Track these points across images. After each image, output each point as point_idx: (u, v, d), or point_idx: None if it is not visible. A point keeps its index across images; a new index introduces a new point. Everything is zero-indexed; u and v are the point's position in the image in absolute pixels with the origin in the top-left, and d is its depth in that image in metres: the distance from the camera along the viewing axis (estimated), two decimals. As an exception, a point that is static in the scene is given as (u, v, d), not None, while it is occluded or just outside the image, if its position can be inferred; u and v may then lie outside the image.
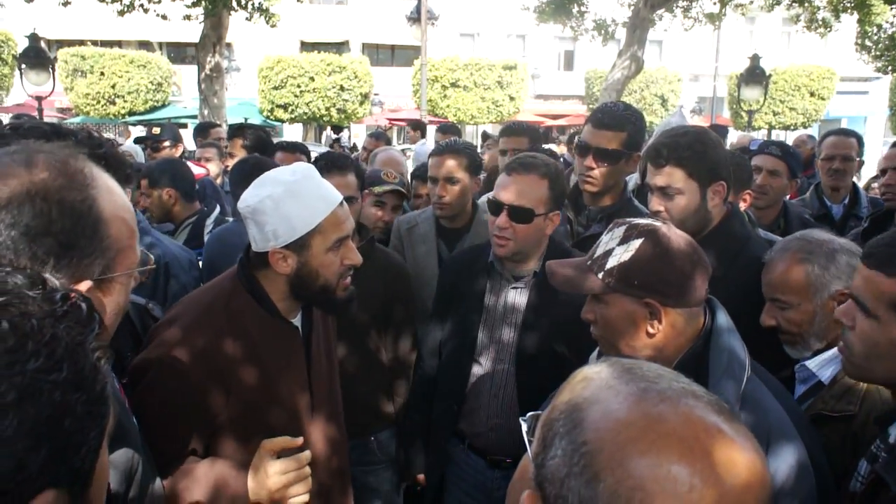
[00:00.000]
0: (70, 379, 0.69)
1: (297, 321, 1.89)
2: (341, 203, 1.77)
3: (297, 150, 4.38)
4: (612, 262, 1.53)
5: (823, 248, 1.90)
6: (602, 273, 1.54)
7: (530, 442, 0.80)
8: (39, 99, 11.67)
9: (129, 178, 1.32)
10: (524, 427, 0.84)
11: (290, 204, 1.68)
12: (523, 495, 0.74)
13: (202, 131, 6.55)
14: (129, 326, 2.00)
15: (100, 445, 0.75)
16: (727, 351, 1.49)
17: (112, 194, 1.10)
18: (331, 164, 2.66)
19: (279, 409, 1.79)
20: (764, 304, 2.01)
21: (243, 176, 3.36)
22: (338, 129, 10.78)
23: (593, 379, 0.76)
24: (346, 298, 1.84)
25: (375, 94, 25.72)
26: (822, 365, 1.89)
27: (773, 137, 26.74)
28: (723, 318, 1.55)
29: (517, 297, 2.35)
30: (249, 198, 1.72)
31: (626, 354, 1.57)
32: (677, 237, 1.53)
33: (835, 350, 1.81)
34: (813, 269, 1.88)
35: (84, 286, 1.02)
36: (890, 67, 19.19)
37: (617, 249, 1.53)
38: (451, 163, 3.04)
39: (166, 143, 5.48)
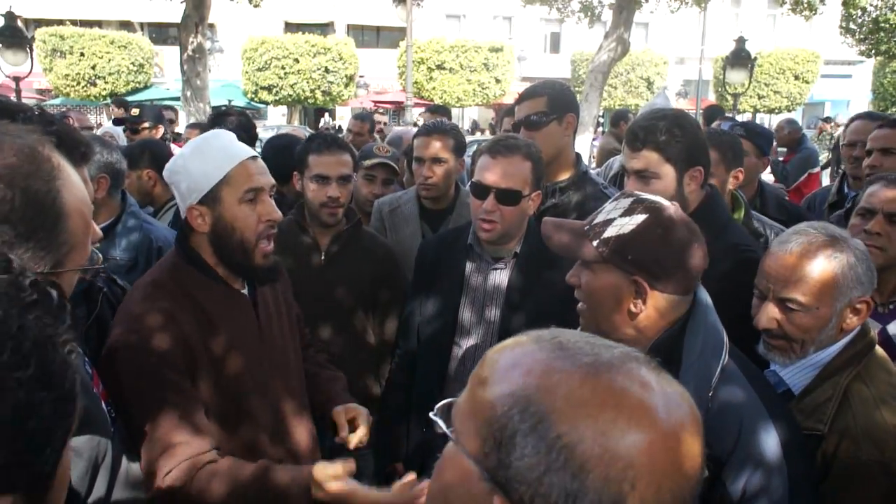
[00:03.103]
0: (37, 376, 0.62)
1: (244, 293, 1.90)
2: (254, 158, 1.81)
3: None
4: (610, 232, 1.48)
5: (850, 244, 1.67)
6: (598, 241, 1.49)
7: (454, 438, 0.75)
8: (17, 80, 11.45)
9: (84, 157, 1.27)
10: (441, 423, 0.78)
11: (197, 160, 1.76)
12: (494, 501, 0.68)
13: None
14: (107, 299, 2.02)
15: (64, 446, 0.69)
16: (703, 334, 1.46)
17: (75, 188, 1.05)
18: (330, 142, 2.68)
19: (240, 378, 1.78)
20: (741, 293, 1.84)
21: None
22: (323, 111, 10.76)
23: (522, 364, 0.72)
24: (268, 267, 1.83)
25: (361, 76, 25.51)
26: (794, 373, 1.72)
27: (758, 120, 26.89)
28: (703, 300, 1.52)
29: (498, 278, 2.34)
30: (169, 163, 1.82)
31: (604, 329, 1.52)
32: (682, 221, 1.49)
33: (808, 358, 1.69)
34: (843, 270, 1.63)
35: None
36: (873, 51, 19.29)
37: (618, 220, 1.49)
38: (437, 144, 3.03)
39: (146, 125, 5.39)
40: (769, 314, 1.69)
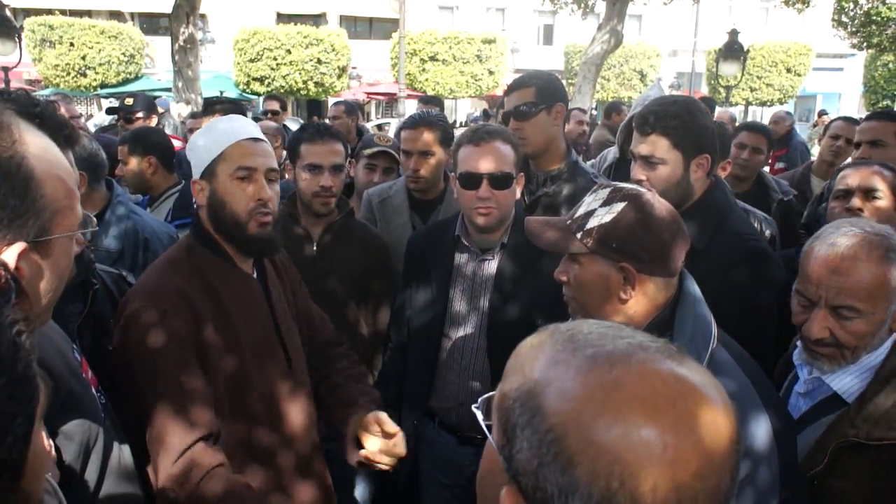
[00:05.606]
0: None
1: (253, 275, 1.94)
2: (255, 139, 1.85)
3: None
4: (592, 223, 1.51)
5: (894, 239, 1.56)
6: (581, 233, 1.52)
7: (489, 428, 0.77)
8: (6, 70, 11.35)
9: (69, 140, 1.27)
10: (479, 415, 0.80)
11: (203, 137, 1.86)
12: (502, 492, 0.70)
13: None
14: (108, 296, 2.01)
15: (29, 431, 0.67)
16: (692, 319, 1.48)
17: (46, 153, 1.03)
18: (322, 132, 2.69)
19: (247, 360, 1.80)
20: (749, 287, 1.88)
21: None
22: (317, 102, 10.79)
23: (537, 357, 0.72)
24: (263, 237, 1.83)
25: (353, 68, 25.38)
26: (842, 378, 1.60)
27: (750, 113, 26.95)
28: (691, 287, 1.54)
29: (486, 269, 2.34)
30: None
31: (594, 318, 1.54)
32: (660, 205, 1.52)
33: (859, 363, 1.58)
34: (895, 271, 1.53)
35: (17, 248, 0.96)
36: (865, 44, 19.32)
37: (599, 210, 1.51)
38: (426, 136, 3.01)
39: (140, 114, 5.34)
40: (822, 323, 1.58)
